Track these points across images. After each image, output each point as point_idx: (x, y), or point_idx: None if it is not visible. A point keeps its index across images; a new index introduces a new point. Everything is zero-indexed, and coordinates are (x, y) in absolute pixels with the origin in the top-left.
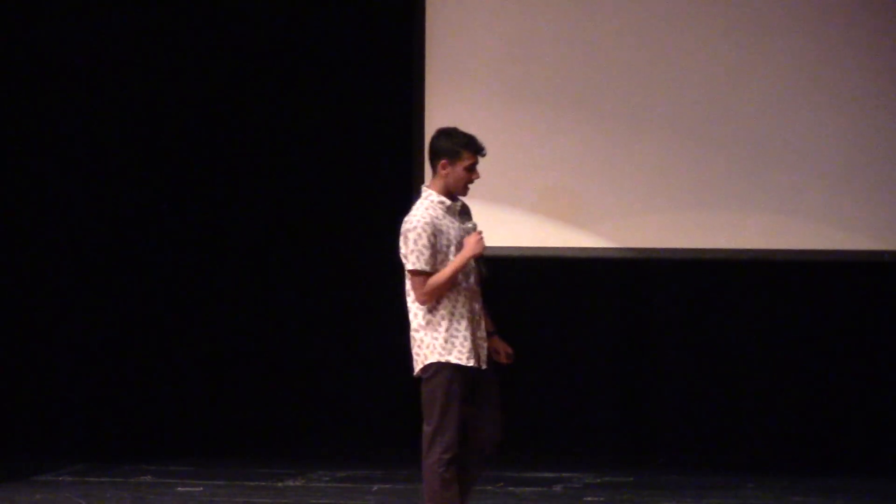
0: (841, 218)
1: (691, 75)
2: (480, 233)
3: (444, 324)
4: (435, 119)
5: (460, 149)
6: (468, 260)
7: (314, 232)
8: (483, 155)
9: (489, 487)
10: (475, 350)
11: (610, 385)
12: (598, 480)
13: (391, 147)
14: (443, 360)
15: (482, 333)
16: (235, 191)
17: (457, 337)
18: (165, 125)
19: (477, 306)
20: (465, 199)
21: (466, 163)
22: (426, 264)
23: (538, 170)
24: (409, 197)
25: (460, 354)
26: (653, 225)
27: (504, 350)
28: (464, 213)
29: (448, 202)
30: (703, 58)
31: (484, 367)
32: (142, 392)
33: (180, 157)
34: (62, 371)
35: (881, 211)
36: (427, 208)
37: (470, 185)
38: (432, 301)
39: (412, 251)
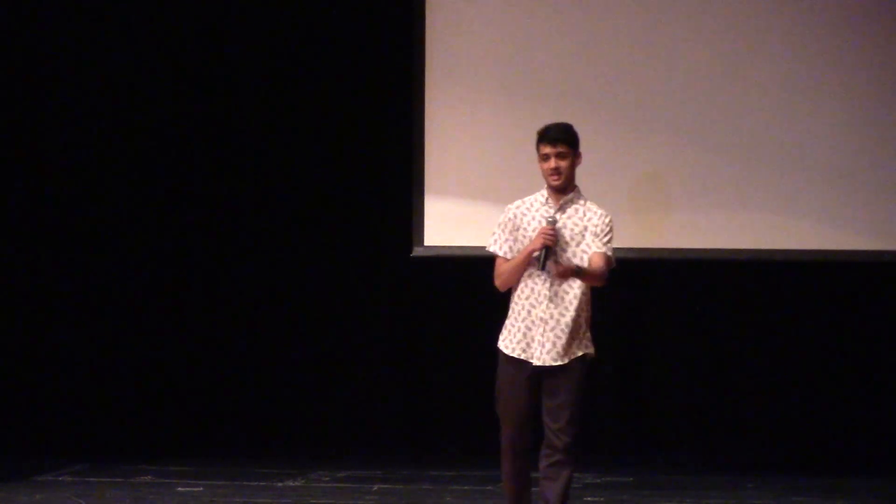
0: (841, 218)
1: (691, 75)
2: (548, 227)
3: (510, 311)
4: (435, 119)
5: (537, 143)
6: (529, 252)
7: (314, 232)
8: (551, 142)
9: (489, 487)
10: (527, 345)
11: (610, 385)
12: (598, 480)
13: (391, 147)
14: (498, 344)
15: (545, 332)
16: (236, 191)
17: (513, 325)
18: (164, 126)
19: (545, 303)
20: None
21: (541, 153)
22: (499, 247)
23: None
24: (409, 196)
25: (508, 344)
26: (653, 225)
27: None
28: (565, 209)
29: (546, 195)
30: (704, 58)
31: (538, 363)
32: (142, 392)
33: (179, 157)
34: (62, 371)
35: (881, 211)
36: (528, 198)
37: (552, 173)
38: (502, 286)
39: (492, 233)
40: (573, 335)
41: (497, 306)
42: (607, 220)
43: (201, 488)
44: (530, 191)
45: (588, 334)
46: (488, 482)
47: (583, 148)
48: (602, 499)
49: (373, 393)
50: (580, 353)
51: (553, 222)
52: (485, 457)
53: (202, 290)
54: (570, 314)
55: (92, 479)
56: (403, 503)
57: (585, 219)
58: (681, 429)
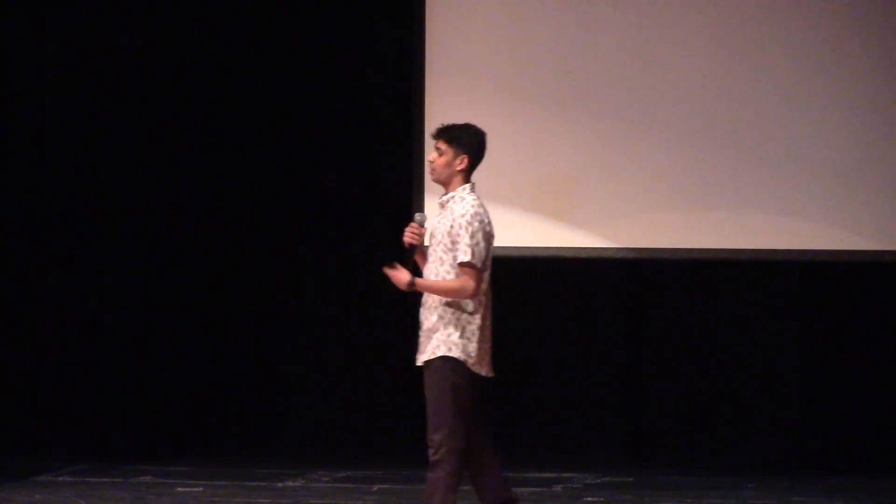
0: (841, 218)
1: (691, 75)
2: (411, 225)
3: None
4: (435, 119)
5: None
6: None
7: (314, 231)
8: (433, 137)
9: None
10: (416, 347)
11: (610, 385)
12: (598, 480)
13: (391, 147)
14: None
15: (421, 333)
16: (236, 191)
17: None
18: (164, 126)
19: (423, 306)
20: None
21: None
22: None
23: (537, 169)
24: (409, 196)
25: None
26: (653, 225)
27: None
28: (445, 207)
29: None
30: (703, 58)
31: (418, 364)
32: (142, 392)
33: (180, 158)
34: (62, 371)
35: (881, 211)
36: None
37: (429, 170)
38: None
39: None
40: (437, 336)
41: (496, 306)
42: (464, 221)
43: (201, 488)
44: (529, 190)
45: (455, 338)
46: None
47: (582, 146)
48: (602, 499)
49: (373, 393)
50: (439, 355)
51: (418, 222)
52: None
53: (202, 291)
54: (434, 315)
55: (92, 479)
56: (403, 503)
57: (452, 218)
58: (681, 429)
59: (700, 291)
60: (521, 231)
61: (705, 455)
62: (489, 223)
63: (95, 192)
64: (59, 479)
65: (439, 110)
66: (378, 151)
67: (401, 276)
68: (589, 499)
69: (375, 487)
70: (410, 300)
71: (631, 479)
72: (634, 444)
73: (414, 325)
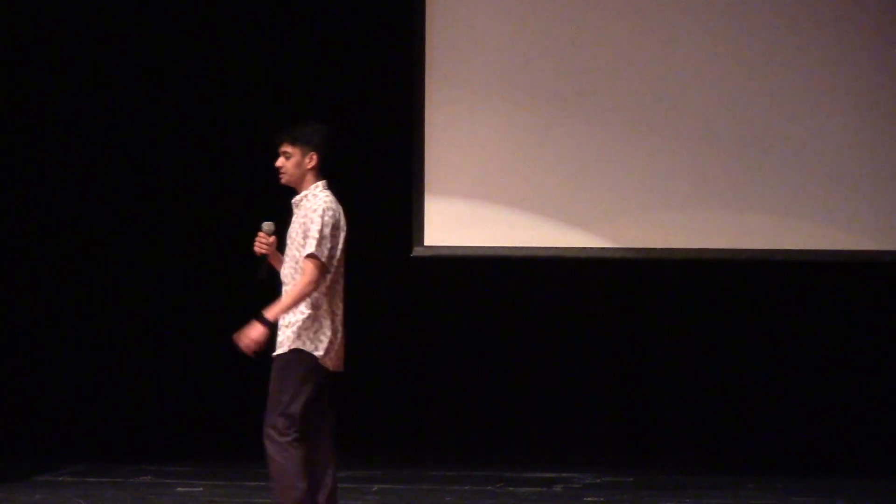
0: (841, 218)
1: (692, 75)
2: (260, 235)
3: None
4: (435, 119)
5: None
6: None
7: None
8: (276, 142)
9: (489, 487)
10: None
11: (610, 385)
12: (598, 480)
13: (391, 147)
14: None
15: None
16: (235, 191)
17: None
18: (161, 127)
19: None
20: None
21: None
22: None
23: (538, 169)
24: (408, 197)
25: None
26: (653, 225)
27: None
28: (298, 206)
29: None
30: (704, 58)
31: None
32: (142, 392)
33: (180, 159)
34: (62, 371)
35: (881, 211)
36: None
37: (280, 175)
38: None
39: None
40: (289, 330)
41: (497, 306)
42: (315, 216)
43: (201, 488)
44: (529, 190)
45: (311, 333)
46: (488, 482)
47: (582, 146)
48: (602, 499)
49: (373, 393)
50: (284, 350)
51: (267, 231)
52: (485, 457)
53: (201, 291)
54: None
55: (92, 479)
56: (403, 503)
57: (304, 215)
58: (681, 429)
59: (700, 291)
60: (522, 231)
61: (705, 455)
62: (341, 218)
63: (96, 192)
64: (59, 479)
65: (439, 110)
66: (378, 151)
67: (252, 332)
68: (589, 499)
69: (375, 487)
70: (411, 300)
71: (631, 479)
72: (634, 444)
73: (411, 324)
